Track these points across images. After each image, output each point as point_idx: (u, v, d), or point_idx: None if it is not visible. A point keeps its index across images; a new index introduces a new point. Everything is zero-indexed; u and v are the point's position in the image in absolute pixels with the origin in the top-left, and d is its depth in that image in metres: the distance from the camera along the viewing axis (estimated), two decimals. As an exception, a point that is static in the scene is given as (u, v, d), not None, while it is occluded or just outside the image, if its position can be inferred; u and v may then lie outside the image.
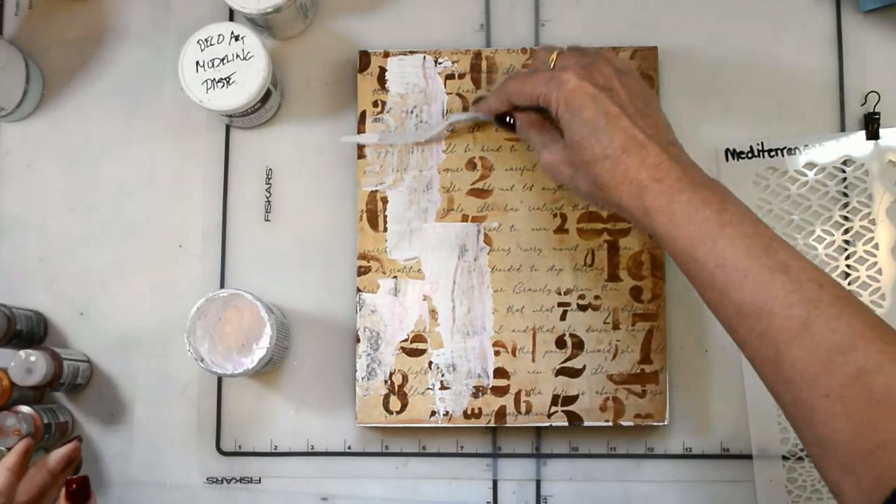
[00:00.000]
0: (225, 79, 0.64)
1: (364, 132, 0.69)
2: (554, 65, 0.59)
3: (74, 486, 0.57)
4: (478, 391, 0.66)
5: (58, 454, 0.61)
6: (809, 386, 0.46)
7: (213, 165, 0.71)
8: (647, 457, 0.68)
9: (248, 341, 0.62)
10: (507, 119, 0.63)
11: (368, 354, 0.67)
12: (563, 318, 0.67)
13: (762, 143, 0.69)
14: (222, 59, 0.65)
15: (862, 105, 0.70)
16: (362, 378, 0.67)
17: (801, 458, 0.67)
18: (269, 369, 0.67)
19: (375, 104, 0.69)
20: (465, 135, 0.69)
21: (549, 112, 0.58)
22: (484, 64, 0.69)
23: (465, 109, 0.68)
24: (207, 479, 0.69)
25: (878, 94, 0.69)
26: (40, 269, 0.71)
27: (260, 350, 0.62)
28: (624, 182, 0.53)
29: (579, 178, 0.56)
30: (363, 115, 0.69)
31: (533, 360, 0.67)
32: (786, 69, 0.71)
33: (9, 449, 0.64)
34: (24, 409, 0.65)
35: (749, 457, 0.68)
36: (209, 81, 0.64)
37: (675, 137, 0.57)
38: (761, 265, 0.49)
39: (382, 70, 0.69)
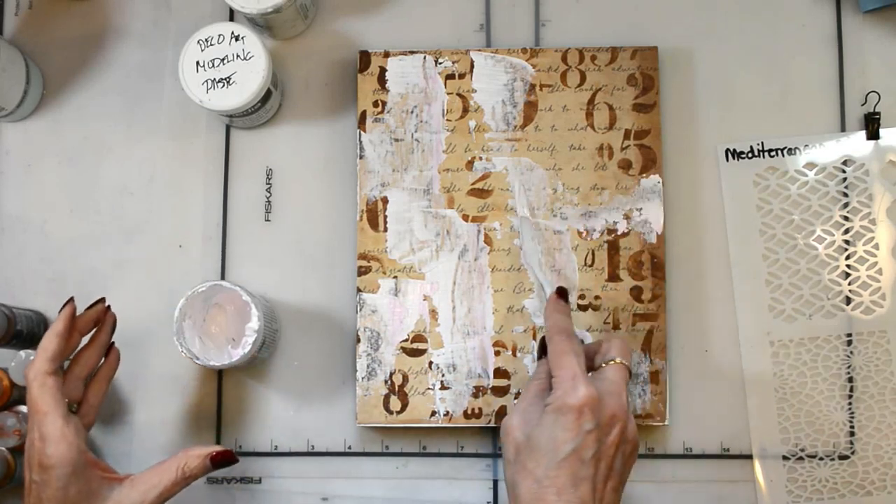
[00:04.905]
0: (225, 79, 0.64)
1: (364, 132, 0.69)
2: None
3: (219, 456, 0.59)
4: (478, 391, 0.67)
5: (83, 317, 0.62)
6: None
7: (213, 165, 0.71)
8: (647, 457, 0.68)
9: (238, 335, 0.62)
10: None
11: (369, 354, 0.67)
12: (563, 318, 0.67)
13: (762, 143, 0.69)
14: (222, 59, 0.65)
15: (862, 105, 0.70)
16: (362, 378, 0.67)
17: (801, 458, 0.67)
18: (265, 355, 0.67)
19: (375, 104, 0.69)
20: (466, 135, 0.69)
21: None
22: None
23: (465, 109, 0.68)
24: (208, 479, 0.69)
25: (878, 94, 0.69)
26: (40, 269, 0.71)
27: (251, 333, 0.62)
28: None
29: None
30: (363, 115, 0.69)
31: (533, 361, 0.67)
32: (786, 69, 0.71)
33: (9, 449, 0.65)
34: (25, 409, 0.65)
35: (749, 457, 0.68)
36: (209, 81, 0.64)
37: None
38: None
39: (382, 70, 0.69)
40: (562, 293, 0.61)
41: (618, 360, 0.57)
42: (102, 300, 0.64)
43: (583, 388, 0.53)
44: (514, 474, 0.55)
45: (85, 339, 0.63)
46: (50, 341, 0.58)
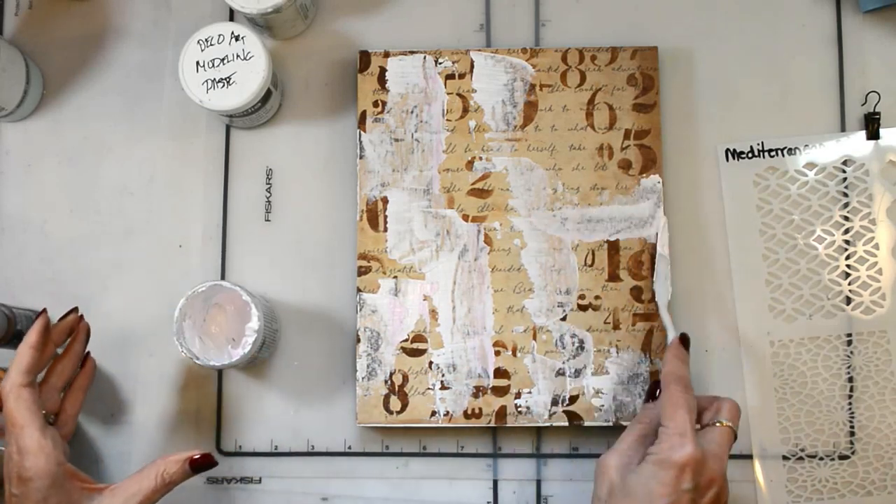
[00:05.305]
0: (225, 79, 0.64)
1: (364, 132, 0.69)
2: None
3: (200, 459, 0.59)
4: (478, 391, 0.67)
5: (56, 327, 0.62)
6: None
7: (213, 165, 0.71)
8: (647, 457, 0.68)
9: (238, 335, 0.62)
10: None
11: (369, 354, 0.67)
12: (563, 318, 0.67)
13: (762, 143, 0.69)
14: (222, 59, 0.65)
15: (862, 105, 0.70)
16: (362, 378, 0.67)
17: (801, 458, 0.67)
18: (265, 355, 0.67)
19: (375, 104, 0.69)
20: (465, 135, 0.69)
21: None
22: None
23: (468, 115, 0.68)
24: (208, 480, 0.69)
25: (878, 94, 0.69)
26: (40, 269, 0.71)
27: (251, 333, 0.62)
28: None
29: None
30: (363, 115, 0.69)
31: (533, 360, 0.67)
32: (786, 69, 0.71)
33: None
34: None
35: (749, 457, 0.68)
36: (209, 81, 0.64)
37: None
38: None
39: (382, 70, 0.69)
40: (684, 340, 0.61)
41: (727, 423, 0.58)
42: (75, 310, 0.64)
43: (690, 447, 0.54)
44: None
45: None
46: (24, 354, 0.58)
